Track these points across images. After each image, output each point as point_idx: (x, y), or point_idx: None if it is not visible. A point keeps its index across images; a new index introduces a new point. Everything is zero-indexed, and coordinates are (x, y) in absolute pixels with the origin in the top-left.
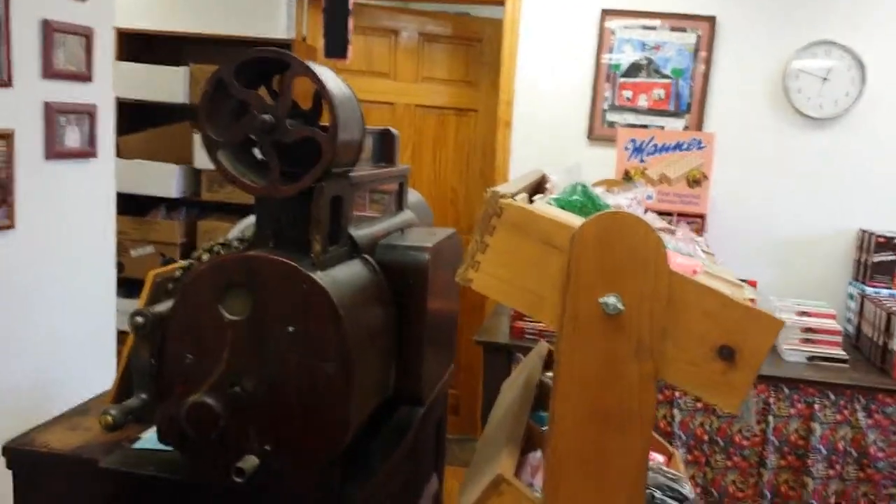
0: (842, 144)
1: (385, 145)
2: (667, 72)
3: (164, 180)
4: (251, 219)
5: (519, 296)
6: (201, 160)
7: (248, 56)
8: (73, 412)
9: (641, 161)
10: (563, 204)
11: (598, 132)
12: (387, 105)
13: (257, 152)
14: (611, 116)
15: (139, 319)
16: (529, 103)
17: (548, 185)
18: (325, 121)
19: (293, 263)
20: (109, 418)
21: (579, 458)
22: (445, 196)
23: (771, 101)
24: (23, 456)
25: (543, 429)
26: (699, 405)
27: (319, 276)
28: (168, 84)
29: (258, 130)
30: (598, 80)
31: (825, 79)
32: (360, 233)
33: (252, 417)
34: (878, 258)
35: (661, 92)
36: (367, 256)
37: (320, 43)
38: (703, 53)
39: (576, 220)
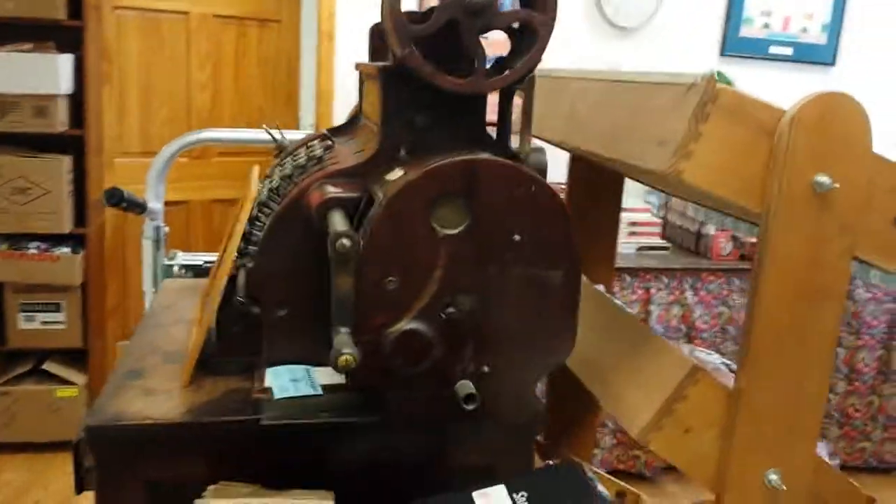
0: (643, 52)
1: None
2: None
3: None
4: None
5: (727, 182)
6: None
7: None
8: (122, 378)
9: None
10: None
11: None
12: (180, 15)
13: None
14: None
15: (346, 242)
16: (354, 14)
17: None
18: None
19: (516, 165)
20: (350, 358)
21: (778, 337)
22: (252, 118)
23: (585, 12)
24: (121, 435)
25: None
26: None
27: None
28: None
29: (466, 13)
30: None
31: None
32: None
33: (468, 339)
34: None
35: None
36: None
37: None
38: None
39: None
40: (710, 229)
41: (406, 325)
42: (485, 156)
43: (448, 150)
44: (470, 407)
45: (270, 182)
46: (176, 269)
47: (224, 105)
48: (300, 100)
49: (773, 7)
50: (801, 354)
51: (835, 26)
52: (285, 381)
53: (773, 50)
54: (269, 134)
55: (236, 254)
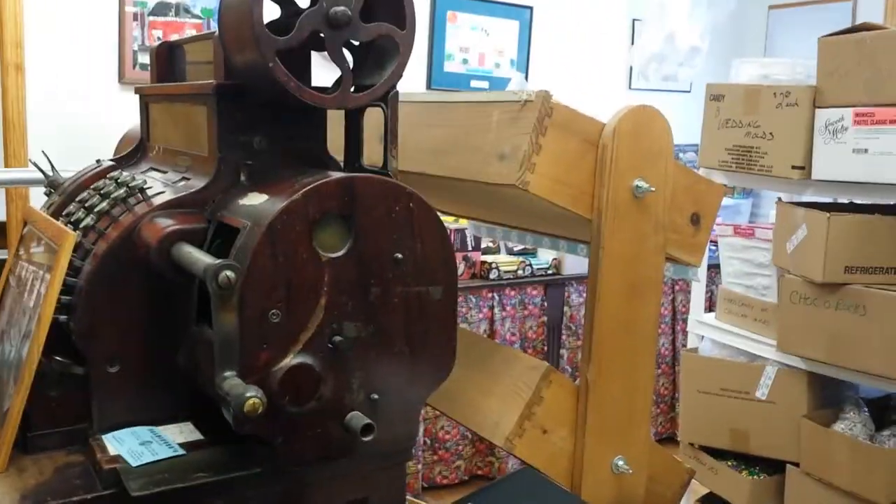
0: None
1: None
2: (197, 11)
3: None
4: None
5: (565, 192)
6: None
7: None
8: None
9: None
10: None
11: (132, 75)
12: None
13: None
14: (143, 58)
15: (230, 274)
16: (44, 45)
17: None
18: None
19: (393, 181)
20: (258, 401)
21: (614, 328)
22: None
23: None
24: None
25: None
26: None
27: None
28: None
29: (329, 26)
30: (123, 19)
31: None
32: None
33: (355, 368)
34: None
35: (195, 32)
36: None
37: None
38: None
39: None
40: None
41: (293, 359)
42: (362, 173)
43: (293, 171)
44: (367, 438)
45: (71, 220)
46: None
47: None
48: (7, 139)
49: (470, 44)
50: (632, 342)
51: (522, 62)
52: (135, 446)
53: (474, 84)
54: (39, 169)
55: None
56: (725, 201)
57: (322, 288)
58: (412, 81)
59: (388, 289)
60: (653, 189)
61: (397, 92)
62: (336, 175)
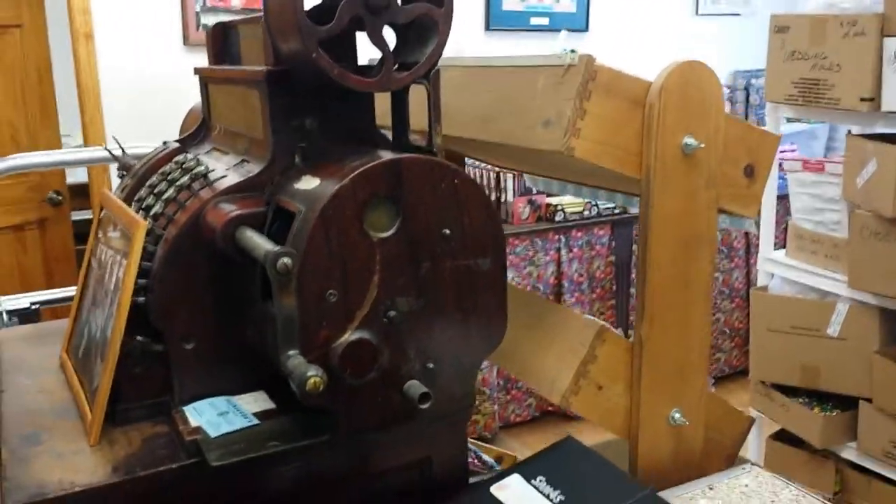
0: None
1: None
2: None
3: None
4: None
5: (612, 154)
6: None
7: None
8: (20, 445)
9: None
10: None
11: (195, 37)
12: None
13: None
14: (206, 19)
15: (287, 262)
16: (110, 12)
17: None
18: None
19: (438, 160)
20: (319, 380)
21: (667, 285)
22: (3, 133)
23: None
24: None
25: None
26: None
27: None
28: None
29: (369, 10)
30: None
31: None
32: None
33: (410, 339)
34: None
35: None
36: None
37: None
38: None
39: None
40: (510, 196)
41: (351, 335)
42: (408, 153)
43: (344, 151)
44: (424, 406)
45: (142, 205)
46: (5, 316)
47: None
48: (58, 107)
49: None
50: (687, 297)
51: None
52: (213, 417)
53: (534, 21)
54: (109, 152)
55: None
56: (800, 126)
57: (374, 266)
58: (470, 23)
59: (437, 263)
60: (702, 145)
61: (438, 70)
62: (383, 157)
